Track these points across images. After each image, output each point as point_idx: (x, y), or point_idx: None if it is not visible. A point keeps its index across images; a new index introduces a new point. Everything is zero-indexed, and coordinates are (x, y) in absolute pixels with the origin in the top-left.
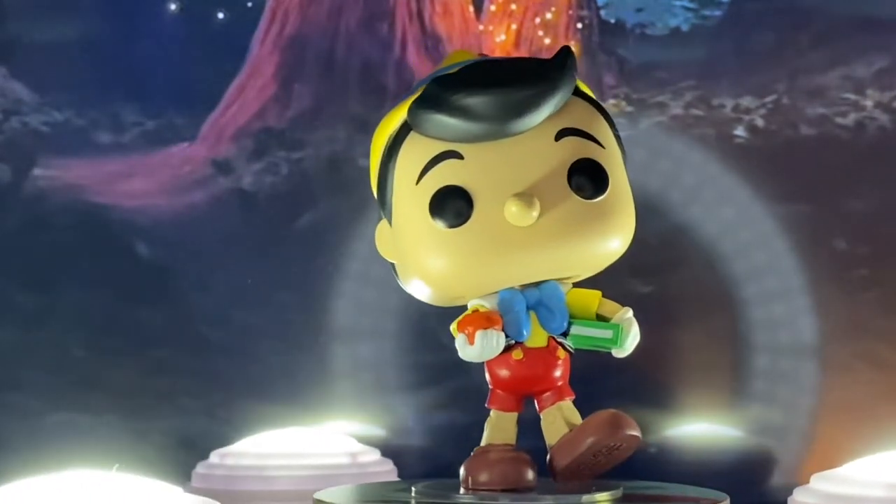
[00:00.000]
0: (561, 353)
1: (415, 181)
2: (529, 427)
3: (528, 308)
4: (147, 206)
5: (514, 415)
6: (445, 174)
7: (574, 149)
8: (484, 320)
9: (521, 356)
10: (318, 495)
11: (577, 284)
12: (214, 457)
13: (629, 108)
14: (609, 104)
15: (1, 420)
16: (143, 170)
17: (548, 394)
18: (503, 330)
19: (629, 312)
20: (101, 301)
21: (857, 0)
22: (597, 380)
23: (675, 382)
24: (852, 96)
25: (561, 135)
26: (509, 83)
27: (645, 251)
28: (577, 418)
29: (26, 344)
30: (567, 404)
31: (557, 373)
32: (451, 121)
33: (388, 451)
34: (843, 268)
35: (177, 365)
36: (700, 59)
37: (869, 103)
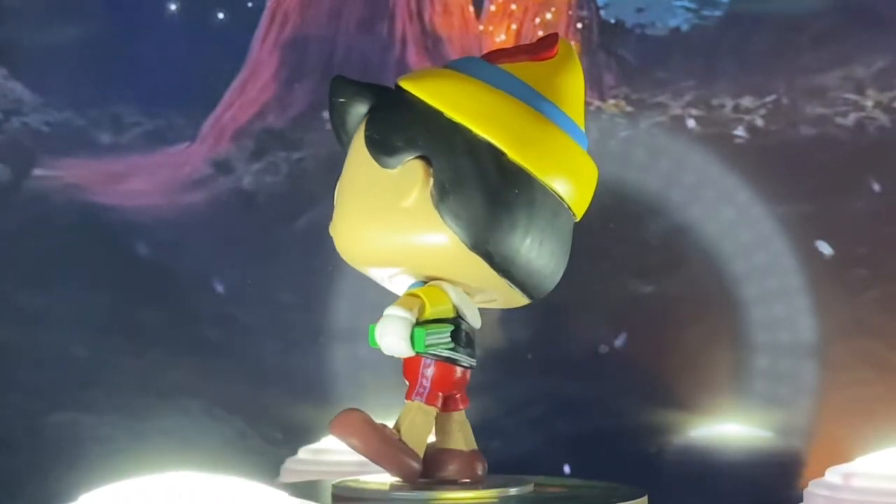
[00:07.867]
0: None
1: None
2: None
3: None
4: (147, 206)
5: (433, 409)
6: None
7: None
8: None
9: None
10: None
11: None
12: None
13: (629, 108)
14: (609, 104)
15: (1, 420)
16: (143, 170)
17: None
18: None
19: (387, 310)
20: (101, 301)
21: (857, 0)
22: (598, 379)
23: (675, 382)
24: (852, 96)
25: None
26: None
27: (645, 251)
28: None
29: (26, 344)
30: (406, 406)
31: (404, 372)
32: None
33: None
34: (843, 268)
35: (177, 365)
36: (700, 59)
37: (869, 103)
